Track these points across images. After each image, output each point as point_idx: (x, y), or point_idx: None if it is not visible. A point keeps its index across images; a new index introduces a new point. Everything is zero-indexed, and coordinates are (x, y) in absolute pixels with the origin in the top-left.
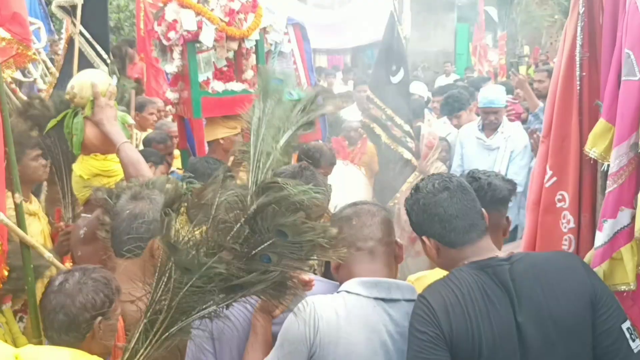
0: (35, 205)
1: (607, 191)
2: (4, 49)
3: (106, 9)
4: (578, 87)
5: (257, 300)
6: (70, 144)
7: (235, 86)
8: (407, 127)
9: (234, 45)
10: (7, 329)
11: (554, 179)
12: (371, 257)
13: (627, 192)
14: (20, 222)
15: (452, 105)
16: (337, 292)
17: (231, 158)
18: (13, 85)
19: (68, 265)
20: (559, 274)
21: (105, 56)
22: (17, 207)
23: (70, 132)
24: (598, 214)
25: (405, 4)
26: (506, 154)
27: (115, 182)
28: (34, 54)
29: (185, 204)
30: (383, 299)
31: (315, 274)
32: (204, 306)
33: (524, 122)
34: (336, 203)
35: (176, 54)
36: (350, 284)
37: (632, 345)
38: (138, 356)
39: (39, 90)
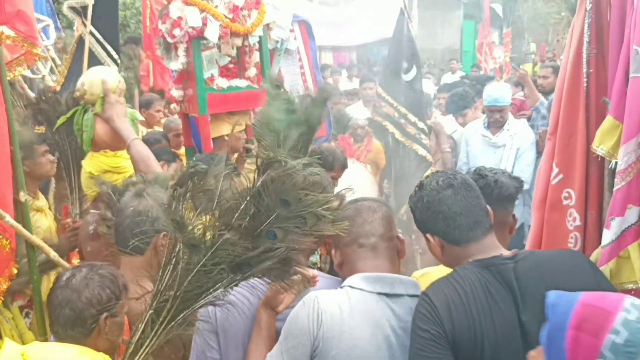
0: (42, 201)
1: (615, 189)
2: (11, 47)
3: (116, 9)
4: (585, 84)
5: (262, 296)
6: (80, 141)
7: (240, 82)
8: (421, 125)
9: (238, 42)
10: (14, 324)
11: (561, 176)
12: (374, 253)
13: (635, 190)
14: (25, 221)
15: (457, 104)
16: (341, 287)
17: (235, 155)
18: (22, 83)
19: (75, 261)
20: (564, 273)
21: (115, 56)
22: (22, 206)
23: (80, 128)
24: (605, 212)
25: (413, 1)
26: (512, 151)
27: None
28: (42, 51)
29: (190, 190)
30: (386, 294)
31: (320, 270)
32: (211, 290)
33: (529, 119)
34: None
35: (181, 51)
36: (353, 279)
37: None
38: (144, 347)
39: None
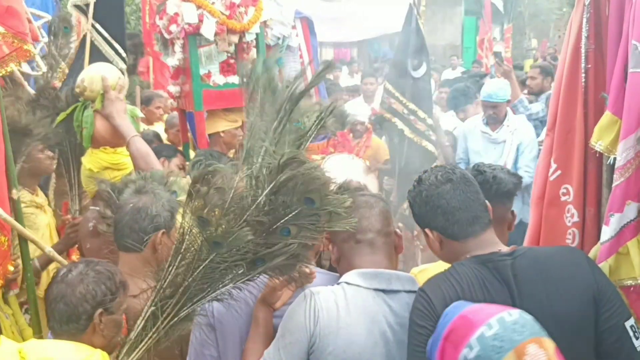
0: (41, 197)
1: (613, 185)
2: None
3: (122, 5)
4: (583, 80)
5: (259, 293)
6: (80, 137)
7: (236, 79)
8: (430, 121)
9: (235, 39)
10: (14, 320)
11: (559, 172)
12: (371, 248)
13: (634, 186)
14: (18, 219)
15: (459, 99)
16: (338, 284)
17: (232, 151)
18: (21, 80)
19: (75, 258)
20: (562, 270)
21: (124, 55)
22: (15, 203)
23: (80, 125)
24: (603, 208)
25: None
26: (512, 147)
27: (124, 176)
28: (42, 49)
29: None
30: (383, 290)
31: (321, 267)
32: (220, 285)
33: None
34: None
35: (177, 47)
36: (350, 276)
37: (636, 343)
38: (143, 343)
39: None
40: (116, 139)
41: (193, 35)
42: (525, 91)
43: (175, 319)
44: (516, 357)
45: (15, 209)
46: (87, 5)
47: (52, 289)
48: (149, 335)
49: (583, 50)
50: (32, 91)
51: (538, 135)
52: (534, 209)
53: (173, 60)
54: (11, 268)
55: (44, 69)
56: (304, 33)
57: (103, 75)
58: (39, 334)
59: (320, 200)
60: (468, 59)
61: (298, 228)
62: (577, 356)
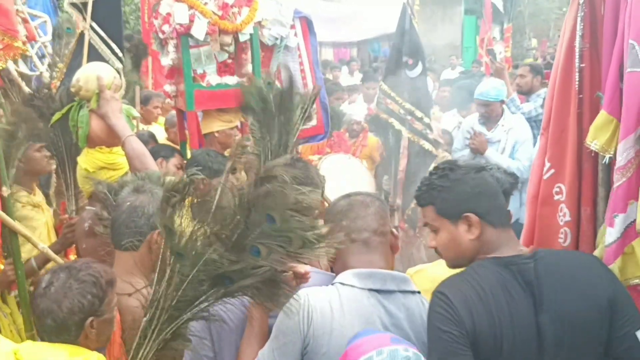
0: (39, 197)
1: (615, 185)
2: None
3: (119, 5)
4: (577, 79)
5: None
6: (75, 137)
7: (229, 80)
8: (427, 120)
9: (228, 39)
10: (12, 319)
11: (552, 171)
12: (366, 248)
13: (636, 185)
14: (9, 214)
15: (463, 97)
16: (332, 284)
17: (227, 151)
18: (18, 80)
19: (72, 257)
20: (582, 276)
21: (120, 54)
22: (5, 200)
23: (75, 125)
24: (599, 208)
25: None
26: (508, 146)
27: (120, 176)
28: (40, 48)
29: (189, 198)
30: (377, 291)
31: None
32: (196, 302)
33: None
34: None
35: (171, 47)
36: (344, 276)
37: None
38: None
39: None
40: (112, 138)
41: (185, 36)
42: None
43: (163, 334)
44: None
45: (5, 206)
46: (84, 4)
47: (38, 304)
48: (143, 348)
49: (577, 49)
50: (30, 91)
51: (534, 135)
52: (528, 207)
53: (167, 59)
54: (1, 266)
55: (42, 68)
56: (303, 33)
57: (98, 74)
58: (30, 332)
59: (281, 220)
60: (468, 59)
61: (267, 249)
62: None
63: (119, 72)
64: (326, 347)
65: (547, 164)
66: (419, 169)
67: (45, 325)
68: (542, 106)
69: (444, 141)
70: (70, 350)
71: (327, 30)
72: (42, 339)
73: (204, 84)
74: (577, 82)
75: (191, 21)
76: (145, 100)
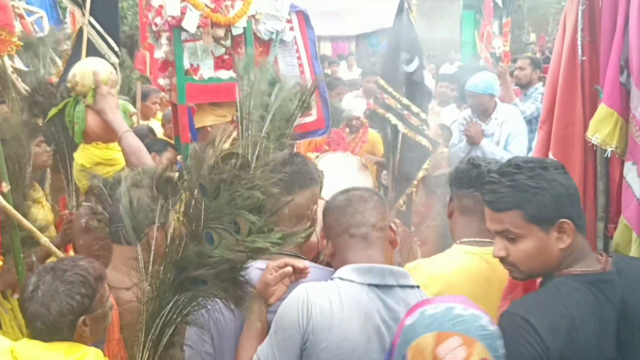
0: (38, 192)
1: None
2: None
3: (117, 0)
4: (581, 73)
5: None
6: (71, 133)
7: (223, 74)
8: (423, 115)
9: (220, 33)
10: (13, 315)
11: None
12: (365, 243)
13: None
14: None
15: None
16: (331, 279)
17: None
18: (15, 76)
19: (72, 254)
20: None
21: (116, 49)
22: (6, 196)
23: (71, 120)
24: (598, 202)
25: None
26: (502, 139)
27: (117, 172)
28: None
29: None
30: (377, 285)
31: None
32: (167, 307)
33: None
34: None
35: (164, 40)
36: (343, 271)
37: None
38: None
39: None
40: (108, 134)
41: (177, 28)
42: (513, 83)
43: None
44: (435, 340)
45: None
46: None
47: (26, 307)
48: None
49: (579, 43)
50: (26, 87)
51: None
52: None
53: (159, 52)
54: (0, 262)
55: (38, 64)
56: (300, 27)
57: (94, 69)
58: (26, 324)
59: (211, 190)
60: (466, 54)
61: (218, 236)
62: None
63: (115, 67)
64: (325, 342)
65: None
66: (413, 165)
67: (36, 328)
68: (539, 100)
69: (443, 136)
70: (67, 349)
71: (325, 24)
72: (36, 339)
73: (196, 78)
74: (581, 76)
75: (183, 13)
76: (143, 96)
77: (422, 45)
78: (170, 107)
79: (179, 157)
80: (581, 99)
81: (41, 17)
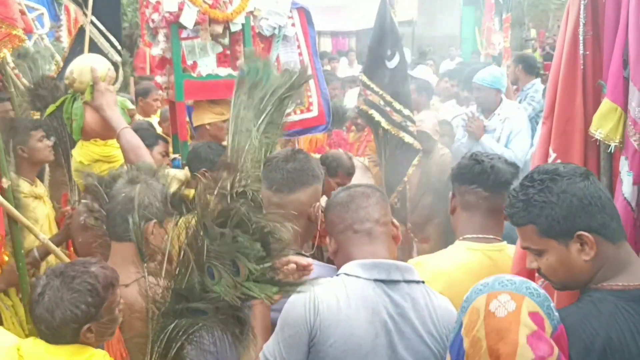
0: (40, 188)
1: None
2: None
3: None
4: (582, 67)
5: None
6: (69, 130)
7: (221, 71)
8: (407, 112)
9: (218, 29)
10: (13, 311)
11: (558, 161)
12: (369, 238)
13: None
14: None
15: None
16: (337, 275)
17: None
18: (16, 71)
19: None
20: None
21: (119, 47)
22: (5, 192)
23: (69, 117)
24: None
25: None
26: (503, 136)
27: (115, 169)
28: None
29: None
30: (383, 281)
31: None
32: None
33: None
34: None
35: (161, 37)
36: (349, 267)
37: None
38: None
39: None
40: (106, 131)
41: (175, 24)
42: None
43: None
44: (486, 300)
45: (6, 198)
46: None
47: (33, 309)
48: None
49: (581, 37)
50: (26, 82)
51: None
52: None
53: (157, 49)
54: (5, 258)
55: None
56: (301, 23)
57: (92, 66)
58: (31, 324)
59: (212, 234)
60: (466, 50)
61: (217, 273)
62: None
63: (117, 65)
64: (333, 338)
65: (553, 155)
66: (397, 162)
67: (41, 332)
68: (536, 101)
69: (443, 131)
70: (73, 351)
71: (326, 20)
72: (42, 339)
73: (194, 75)
74: (582, 70)
75: (180, 9)
76: (144, 93)
77: (423, 42)
78: (167, 106)
79: (177, 156)
80: (582, 93)
81: (42, 13)
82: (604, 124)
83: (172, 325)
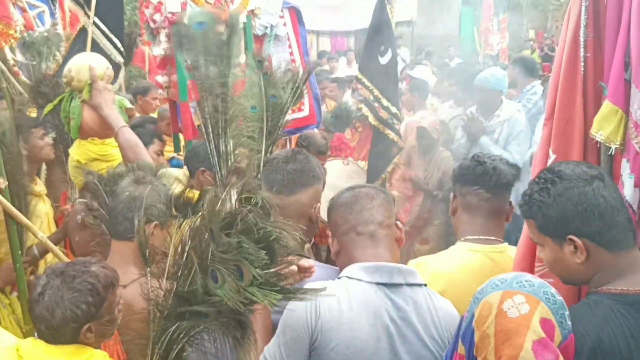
0: (40, 186)
1: None
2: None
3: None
4: (582, 69)
5: None
6: (67, 128)
7: None
8: (394, 109)
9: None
10: (11, 310)
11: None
12: (372, 241)
13: None
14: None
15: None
16: (338, 278)
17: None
18: (16, 68)
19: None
20: None
21: (122, 48)
22: (3, 191)
23: (67, 116)
24: None
25: None
26: (502, 138)
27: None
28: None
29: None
30: (385, 284)
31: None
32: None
33: None
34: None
35: (163, 37)
36: (351, 270)
37: None
38: None
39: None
40: (104, 129)
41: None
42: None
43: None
44: (501, 297)
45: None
46: (87, 0)
47: (33, 308)
48: None
49: (582, 39)
50: (26, 80)
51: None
52: None
53: (158, 49)
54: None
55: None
56: (292, 23)
57: (90, 64)
58: (29, 325)
59: (217, 239)
60: (465, 50)
61: (221, 277)
62: None
63: (120, 66)
64: (335, 342)
65: (552, 156)
66: (378, 157)
67: (40, 330)
68: (532, 103)
69: (441, 131)
70: (72, 351)
71: (324, 19)
72: (42, 339)
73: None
74: (582, 72)
75: (183, 9)
76: (143, 91)
77: (422, 41)
78: (164, 105)
79: (177, 155)
80: (582, 95)
81: (43, 11)
82: (604, 126)
83: (173, 328)
